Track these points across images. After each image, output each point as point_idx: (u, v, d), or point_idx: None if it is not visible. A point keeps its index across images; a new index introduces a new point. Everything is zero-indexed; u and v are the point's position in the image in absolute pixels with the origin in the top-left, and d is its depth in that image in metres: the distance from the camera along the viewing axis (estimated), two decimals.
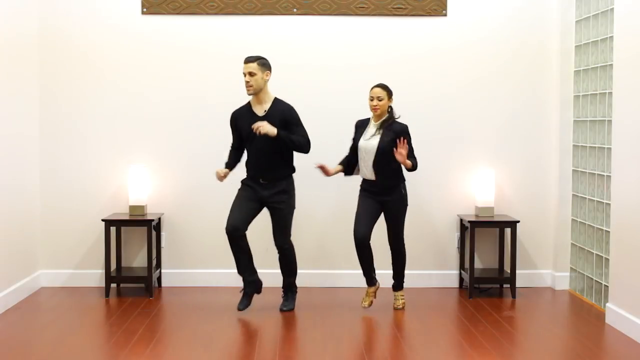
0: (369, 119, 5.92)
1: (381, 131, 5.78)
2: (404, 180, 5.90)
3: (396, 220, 5.90)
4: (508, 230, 6.55)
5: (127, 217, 6.49)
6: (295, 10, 6.65)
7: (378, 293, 6.06)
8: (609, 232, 5.81)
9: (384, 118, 5.84)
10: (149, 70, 6.65)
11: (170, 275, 6.71)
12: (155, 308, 6.04)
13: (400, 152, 5.61)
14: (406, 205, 5.93)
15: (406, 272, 6.74)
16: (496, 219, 6.58)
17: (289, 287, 6.03)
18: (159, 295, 6.42)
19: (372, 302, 5.99)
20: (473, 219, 6.53)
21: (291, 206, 5.86)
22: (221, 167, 5.88)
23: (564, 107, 6.62)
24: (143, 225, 6.46)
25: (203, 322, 5.63)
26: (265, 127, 5.60)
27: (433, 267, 6.76)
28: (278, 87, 6.52)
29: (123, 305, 6.09)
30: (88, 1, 6.62)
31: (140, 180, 6.55)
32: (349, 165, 5.96)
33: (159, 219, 6.58)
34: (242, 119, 5.80)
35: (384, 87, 5.83)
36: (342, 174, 6.01)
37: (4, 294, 5.89)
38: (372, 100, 5.81)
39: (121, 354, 4.94)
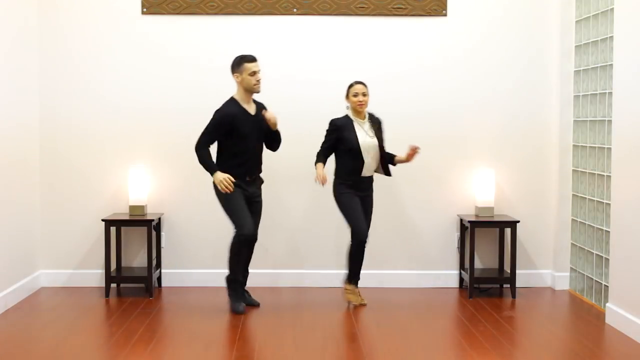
0: (346, 116, 6.00)
1: (372, 127, 6.00)
2: None
3: (371, 212, 6.07)
4: (508, 230, 6.55)
5: (127, 217, 6.49)
6: (295, 10, 6.64)
7: (374, 292, 6.09)
8: (609, 232, 5.81)
9: (368, 114, 6.03)
10: (149, 70, 6.65)
11: (170, 275, 6.71)
12: (155, 308, 6.03)
13: (415, 151, 5.99)
14: None
15: (406, 272, 6.79)
16: (496, 219, 6.58)
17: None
18: (159, 295, 6.42)
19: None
20: (473, 219, 6.53)
21: None
22: (221, 173, 5.79)
23: (564, 106, 6.62)
24: (143, 225, 6.46)
25: (203, 322, 5.63)
26: (275, 119, 5.86)
27: (433, 267, 6.75)
28: (277, 87, 6.54)
29: (123, 305, 6.09)
30: (88, 1, 6.62)
31: (140, 180, 6.55)
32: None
33: (159, 219, 6.58)
34: (239, 118, 5.80)
35: (364, 83, 6.00)
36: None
37: (4, 294, 5.89)
38: (356, 96, 5.94)
39: (121, 354, 4.94)
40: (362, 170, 5.94)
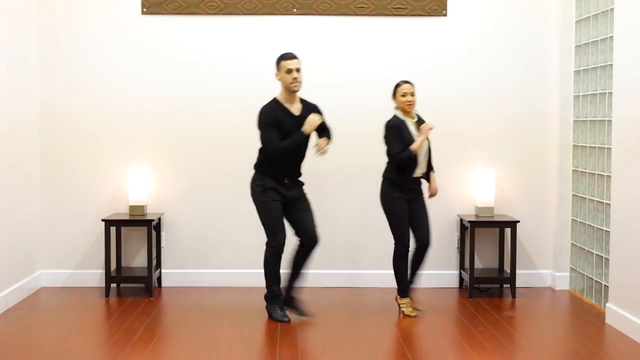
0: (396, 117, 5.77)
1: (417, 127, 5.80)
2: None
3: (427, 215, 5.90)
4: (508, 230, 6.55)
5: (127, 217, 6.49)
6: (295, 10, 6.65)
7: (375, 292, 6.09)
8: (609, 232, 5.82)
9: (416, 114, 5.84)
10: (148, 70, 6.65)
11: (170, 275, 6.71)
12: (155, 308, 6.04)
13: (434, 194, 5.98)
14: None
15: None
16: (496, 219, 6.58)
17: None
18: (159, 295, 6.42)
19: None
20: (473, 219, 6.53)
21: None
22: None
23: (564, 106, 6.62)
24: (143, 225, 6.46)
25: (203, 322, 5.63)
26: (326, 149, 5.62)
27: (433, 267, 6.74)
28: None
29: (123, 305, 6.10)
30: (88, 1, 6.62)
31: (140, 180, 6.55)
32: None
33: (159, 219, 6.57)
34: (281, 116, 5.57)
35: (411, 82, 5.78)
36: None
37: (4, 294, 5.89)
38: (405, 96, 5.72)
39: (121, 354, 4.95)
40: (415, 170, 5.76)
